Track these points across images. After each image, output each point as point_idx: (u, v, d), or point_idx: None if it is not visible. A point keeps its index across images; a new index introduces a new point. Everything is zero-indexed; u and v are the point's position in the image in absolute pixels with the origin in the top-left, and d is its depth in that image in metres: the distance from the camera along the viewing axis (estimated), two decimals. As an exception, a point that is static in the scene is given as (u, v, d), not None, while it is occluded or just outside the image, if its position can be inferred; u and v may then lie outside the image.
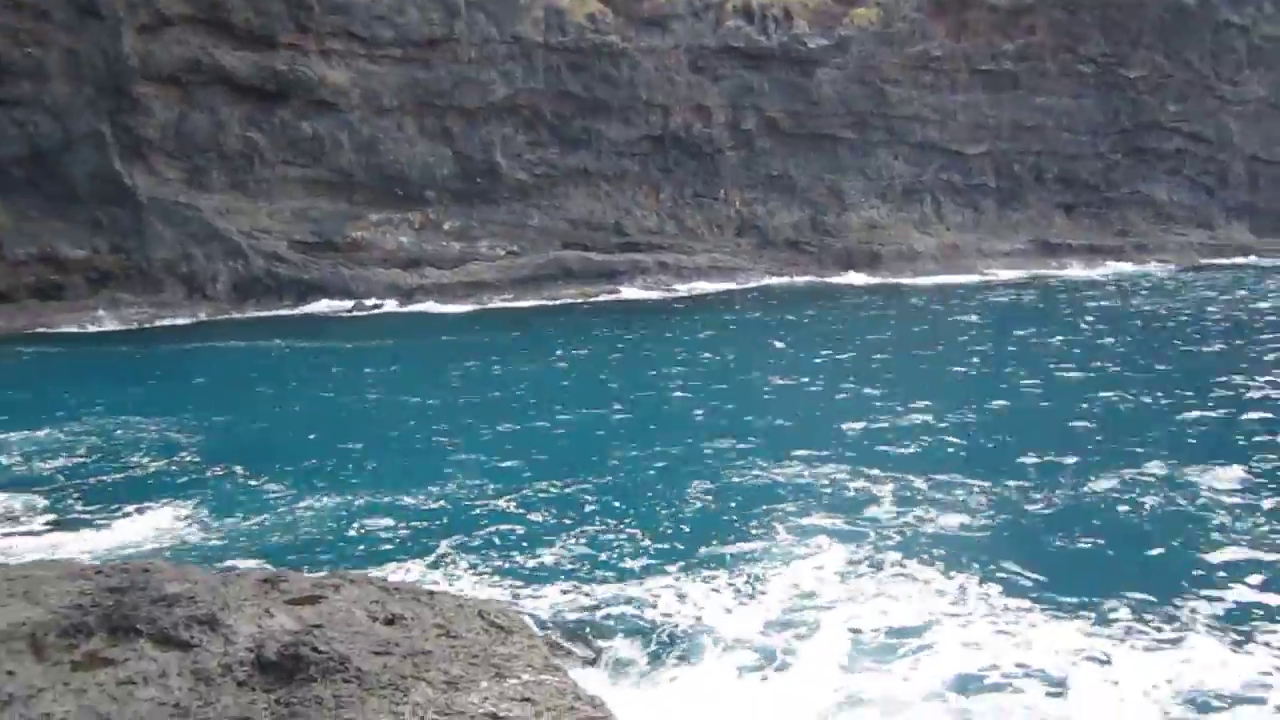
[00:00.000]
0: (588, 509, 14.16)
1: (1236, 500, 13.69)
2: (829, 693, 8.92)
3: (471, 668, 6.81)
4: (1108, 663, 9.26)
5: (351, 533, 13.29)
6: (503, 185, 48.74)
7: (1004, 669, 9.22)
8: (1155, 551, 12.09)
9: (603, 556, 12.28)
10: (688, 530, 13.25)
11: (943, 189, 60.19)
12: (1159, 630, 9.90)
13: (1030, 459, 15.97)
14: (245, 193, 43.93)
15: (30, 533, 13.07)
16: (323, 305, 42.27)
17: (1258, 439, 16.99)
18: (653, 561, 12.09)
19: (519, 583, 11.46)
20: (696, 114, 52.99)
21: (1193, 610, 10.30)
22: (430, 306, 43.39)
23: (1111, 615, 10.23)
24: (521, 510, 14.13)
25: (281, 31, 43.92)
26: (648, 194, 52.38)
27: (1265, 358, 25.53)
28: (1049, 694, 8.81)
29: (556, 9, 49.32)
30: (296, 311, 41.32)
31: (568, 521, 13.67)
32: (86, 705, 5.58)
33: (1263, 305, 38.46)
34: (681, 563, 12.00)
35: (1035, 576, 11.26)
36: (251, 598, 7.01)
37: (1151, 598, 10.59)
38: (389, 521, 13.65)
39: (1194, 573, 11.28)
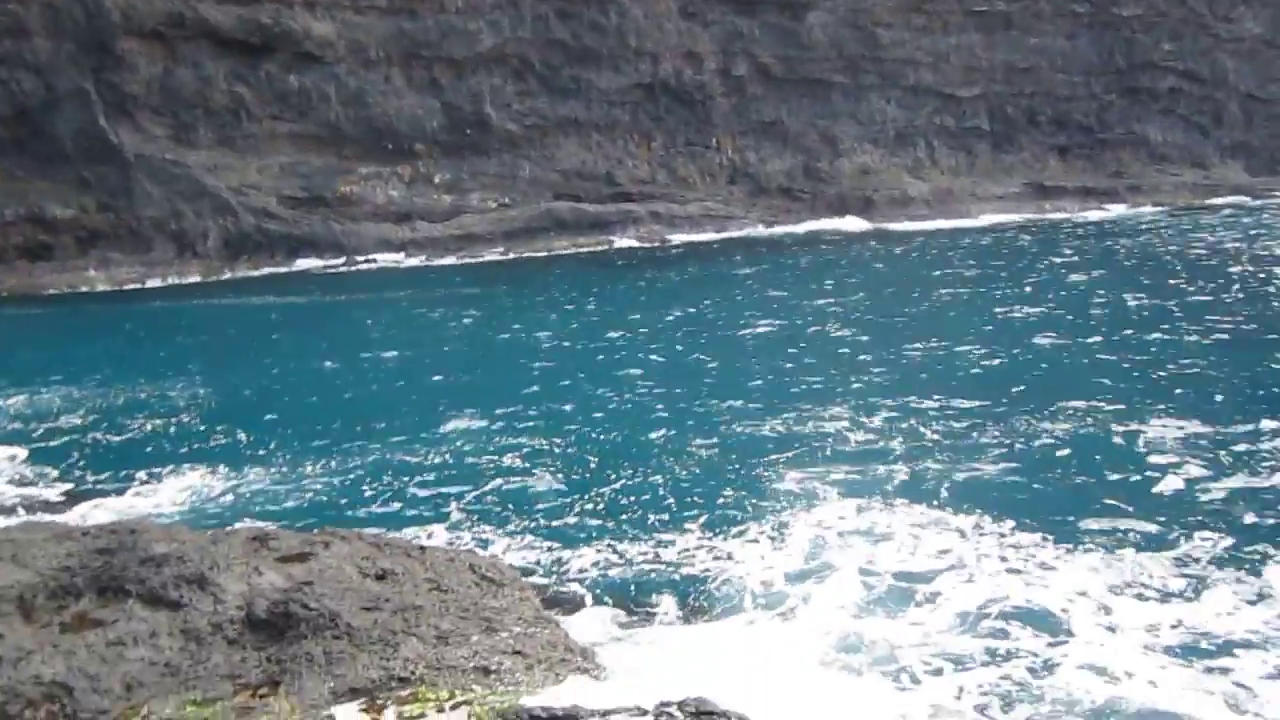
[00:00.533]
0: (585, 463, 14.17)
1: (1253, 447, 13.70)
2: (833, 637, 8.98)
3: (462, 621, 6.85)
4: (1110, 610, 9.28)
5: (362, 490, 13.31)
6: (493, 136, 48.33)
7: (1010, 612, 9.26)
8: (1167, 493, 12.07)
9: (604, 510, 12.31)
10: (688, 483, 13.28)
11: (936, 133, 59.77)
12: (1167, 576, 9.90)
13: (1037, 404, 15.99)
14: (233, 148, 43.54)
15: (48, 504, 13.03)
16: (314, 261, 42.10)
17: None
18: (655, 515, 12.11)
19: (521, 537, 11.49)
20: (687, 61, 52.45)
21: (1203, 557, 10.32)
22: (424, 261, 43.25)
23: (1121, 559, 10.24)
24: (521, 465, 14.15)
25: (264, -17, 43.30)
26: (639, 143, 51.99)
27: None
28: (1052, 639, 8.85)
29: (543, -45, 48.62)
30: (288, 269, 41.15)
31: (565, 474, 13.70)
32: (76, 666, 5.62)
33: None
34: (686, 515, 12.03)
35: (1044, 519, 11.31)
36: (240, 556, 7.04)
37: (1163, 543, 10.60)
38: (395, 479, 13.65)
39: (1206, 519, 11.28)
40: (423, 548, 8.33)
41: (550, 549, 11.14)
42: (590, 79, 50.16)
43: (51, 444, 15.97)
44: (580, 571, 10.52)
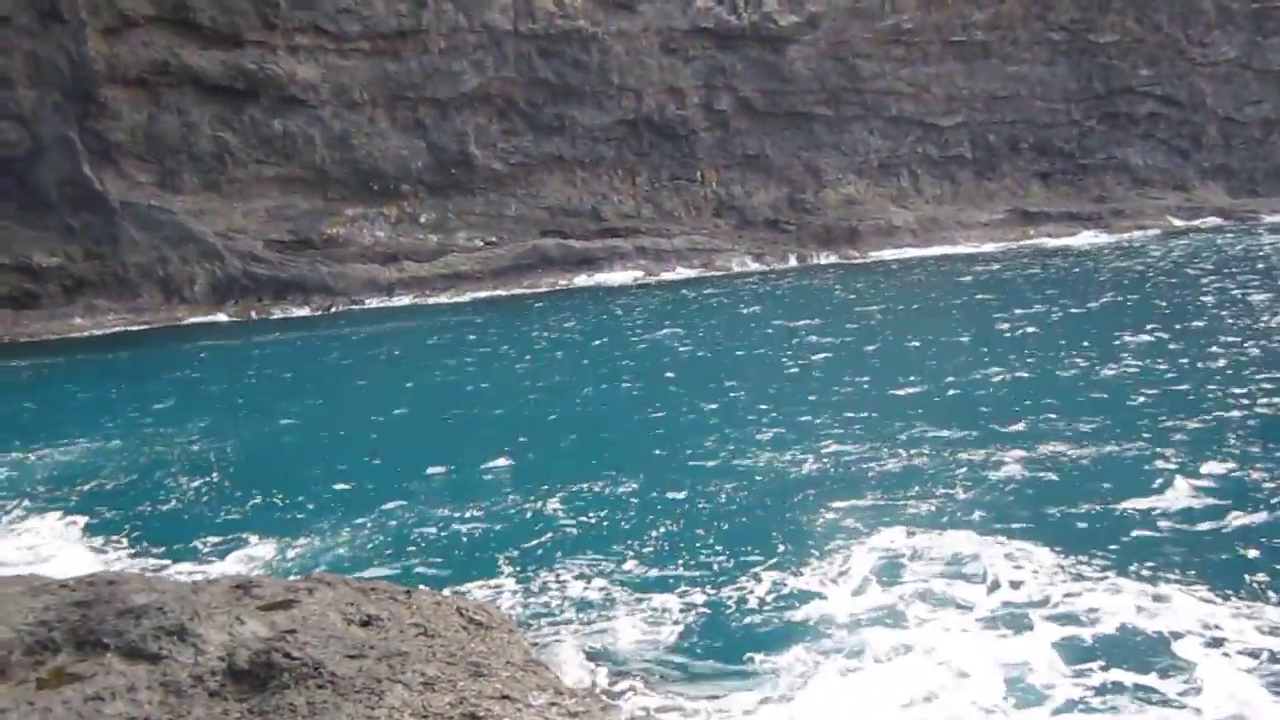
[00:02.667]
0: (579, 506, 14.04)
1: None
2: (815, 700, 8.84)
3: (449, 667, 6.73)
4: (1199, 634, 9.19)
5: (352, 536, 13.16)
6: (478, 175, 48.49)
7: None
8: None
9: (600, 554, 12.16)
10: (684, 527, 13.16)
11: (919, 162, 60.15)
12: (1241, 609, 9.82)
13: (1038, 425, 15.98)
14: (219, 193, 43.59)
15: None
16: (302, 304, 42.01)
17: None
18: (651, 560, 11.97)
19: (512, 581, 11.33)
20: (669, 96, 52.79)
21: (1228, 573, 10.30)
22: (412, 301, 43.22)
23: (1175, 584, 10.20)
24: (513, 509, 14.04)
25: (248, 29, 43.53)
26: (624, 178, 52.19)
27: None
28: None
29: (525, -4, 49.00)
30: (276, 314, 41.06)
31: (556, 518, 13.58)
32: (53, 724, 5.48)
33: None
34: (684, 560, 11.91)
35: (1069, 542, 11.28)
36: (222, 605, 6.92)
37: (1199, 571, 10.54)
38: (384, 525, 13.52)
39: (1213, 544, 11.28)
40: (409, 592, 8.20)
41: (542, 592, 11.00)
42: (574, 116, 50.42)
43: (95, 506, 15.41)
44: (573, 615, 10.38)
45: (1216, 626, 9.26)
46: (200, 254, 41.74)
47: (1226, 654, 8.76)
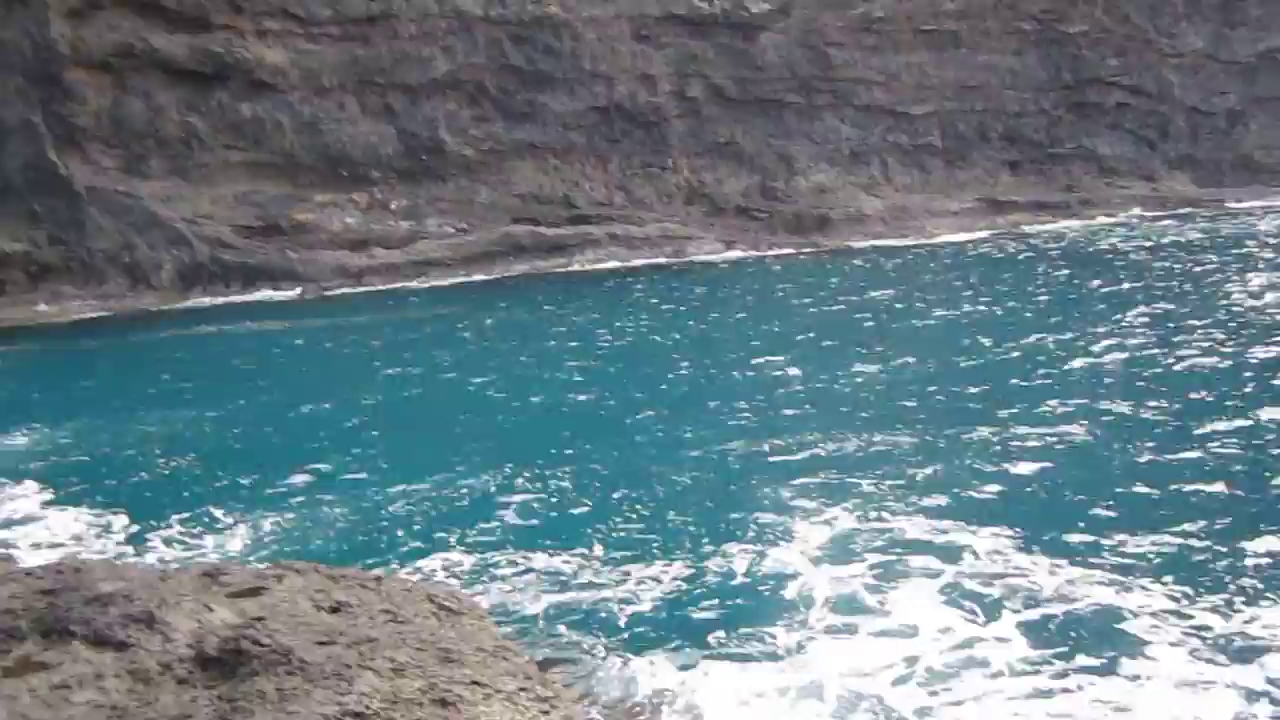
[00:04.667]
0: (550, 491, 14.07)
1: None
2: (778, 661, 8.94)
3: (419, 653, 6.73)
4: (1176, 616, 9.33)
5: (322, 524, 13.13)
6: (449, 162, 48.24)
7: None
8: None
9: (569, 538, 12.20)
10: (652, 510, 13.22)
11: (890, 150, 60.38)
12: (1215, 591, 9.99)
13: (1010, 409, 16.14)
14: (186, 179, 43.14)
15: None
16: (270, 290, 41.63)
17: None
18: (620, 544, 12.03)
19: (484, 568, 11.36)
20: (641, 83, 52.70)
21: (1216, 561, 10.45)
22: (381, 286, 42.98)
23: (1161, 566, 10.37)
24: (485, 495, 14.04)
25: (215, 12, 43.06)
26: (595, 166, 52.07)
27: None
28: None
29: (496, -19, 48.72)
30: (243, 299, 40.69)
31: (528, 504, 13.60)
32: (18, 712, 5.45)
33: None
34: (652, 543, 11.97)
35: (1042, 522, 11.46)
36: (190, 593, 6.89)
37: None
38: (356, 512, 13.49)
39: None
40: (379, 579, 8.19)
41: (512, 577, 11.03)
42: (545, 103, 50.25)
43: (81, 489, 15.42)
44: (543, 600, 10.41)
45: (1175, 606, 9.45)
46: (167, 240, 41.31)
47: (1181, 634, 8.94)
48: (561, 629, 9.81)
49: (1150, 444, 14.25)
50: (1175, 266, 35.40)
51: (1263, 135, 72.45)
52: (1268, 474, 12.92)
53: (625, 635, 9.60)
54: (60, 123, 40.22)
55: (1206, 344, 20.83)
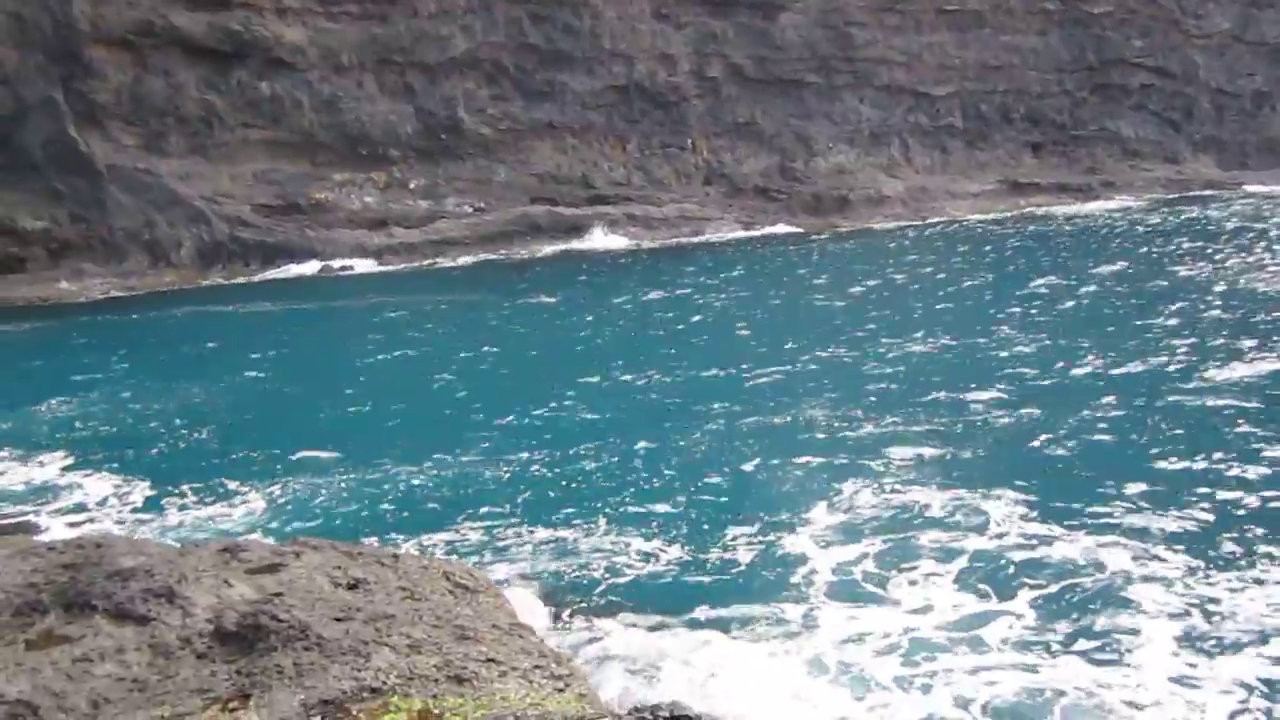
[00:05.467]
0: (565, 470, 14.12)
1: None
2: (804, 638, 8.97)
3: (435, 630, 6.79)
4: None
5: (343, 500, 13.23)
6: (467, 141, 48.19)
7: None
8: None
9: (584, 515, 12.27)
10: (664, 488, 13.25)
11: (910, 131, 59.98)
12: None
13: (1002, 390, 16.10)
14: (205, 157, 43.23)
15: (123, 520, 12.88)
16: (290, 268, 41.76)
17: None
18: (634, 522, 12.08)
19: (500, 545, 11.43)
20: (661, 63, 52.45)
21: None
22: (401, 265, 43.05)
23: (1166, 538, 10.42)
24: (502, 474, 14.10)
25: (235, -10, 43.02)
26: (614, 145, 51.93)
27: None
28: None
29: (515, -41, 48.51)
30: (263, 277, 40.85)
31: (542, 483, 13.66)
32: (41, 684, 5.53)
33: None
34: (665, 520, 12.01)
35: (1029, 489, 11.50)
36: (210, 569, 6.97)
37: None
38: (374, 489, 13.58)
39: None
40: (396, 556, 8.27)
41: (529, 555, 11.09)
42: (564, 82, 50.09)
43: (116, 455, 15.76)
44: (558, 577, 10.48)
45: (1187, 581, 9.48)
46: (187, 218, 41.44)
47: (1189, 609, 8.97)
48: (571, 600, 9.89)
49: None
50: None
51: (1289, 117, 71.64)
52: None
53: (636, 607, 9.67)
54: (81, 100, 40.32)
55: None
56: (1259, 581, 9.46)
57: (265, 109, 44.09)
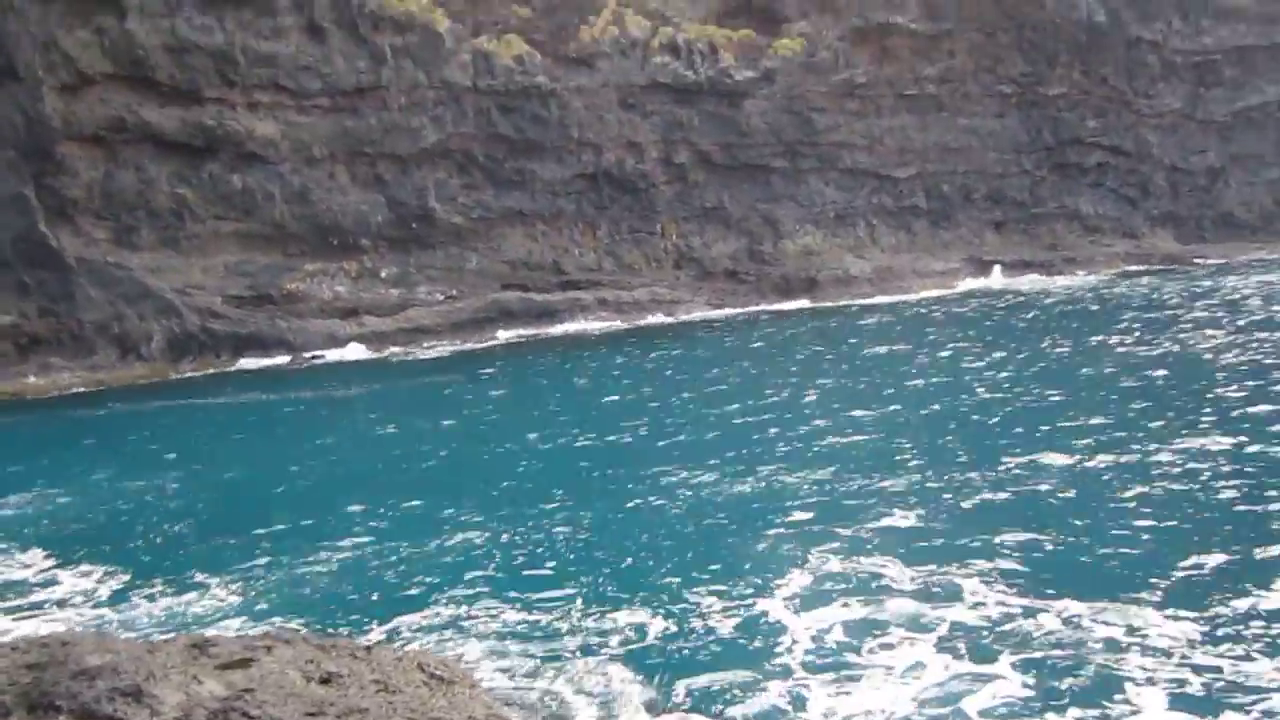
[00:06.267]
0: (540, 554, 14.03)
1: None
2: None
3: (409, 723, 6.69)
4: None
5: (314, 592, 13.06)
6: (438, 230, 48.63)
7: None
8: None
9: (563, 602, 12.16)
10: (644, 570, 13.18)
11: (875, 212, 61.07)
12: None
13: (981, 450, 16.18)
14: (176, 249, 43.36)
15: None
16: (260, 359, 41.66)
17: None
18: (617, 607, 11.98)
19: (477, 635, 11.29)
20: (629, 150, 53.36)
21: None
22: (373, 354, 43.07)
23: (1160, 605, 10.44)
24: (476, 558, 13.99)
25: (207, 86, 43.58)
26: (584, 231, 52.54)
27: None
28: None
29: (484, 52, 49.51)
30: (234, 368, 40.73)
31: (518, 568, 13.55)
32: (4, 789, 5.39)
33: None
34: (644, 604, 11.91)
35: (1010, 556, 11.46)
36: (178, 665, 6.84)
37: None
38: (347, 579, 13.42)
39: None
40: (369, 648, 8.15)
41: (501, 638, 10.96)
42: (534, 170, 50.81)
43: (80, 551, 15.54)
44: (534, 671, 10.33)
45: (1177, 650, 9.45)
46: (157, 310, 41.38)
47: (1183, 679, 8.93)
48: (544, 685, 9.76)
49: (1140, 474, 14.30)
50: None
51: (1241, 192, 73.58)
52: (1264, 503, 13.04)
53: (613, 691, 9.54)
54: (52, 195, 40.48)
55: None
56: (1255, 644, 9.43)
57: (237, 201, 44.39)
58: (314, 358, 42.14)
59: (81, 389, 37.64)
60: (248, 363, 41.31)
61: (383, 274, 47.35)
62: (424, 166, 48.47)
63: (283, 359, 41.86)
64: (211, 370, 40.45)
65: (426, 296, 47.58)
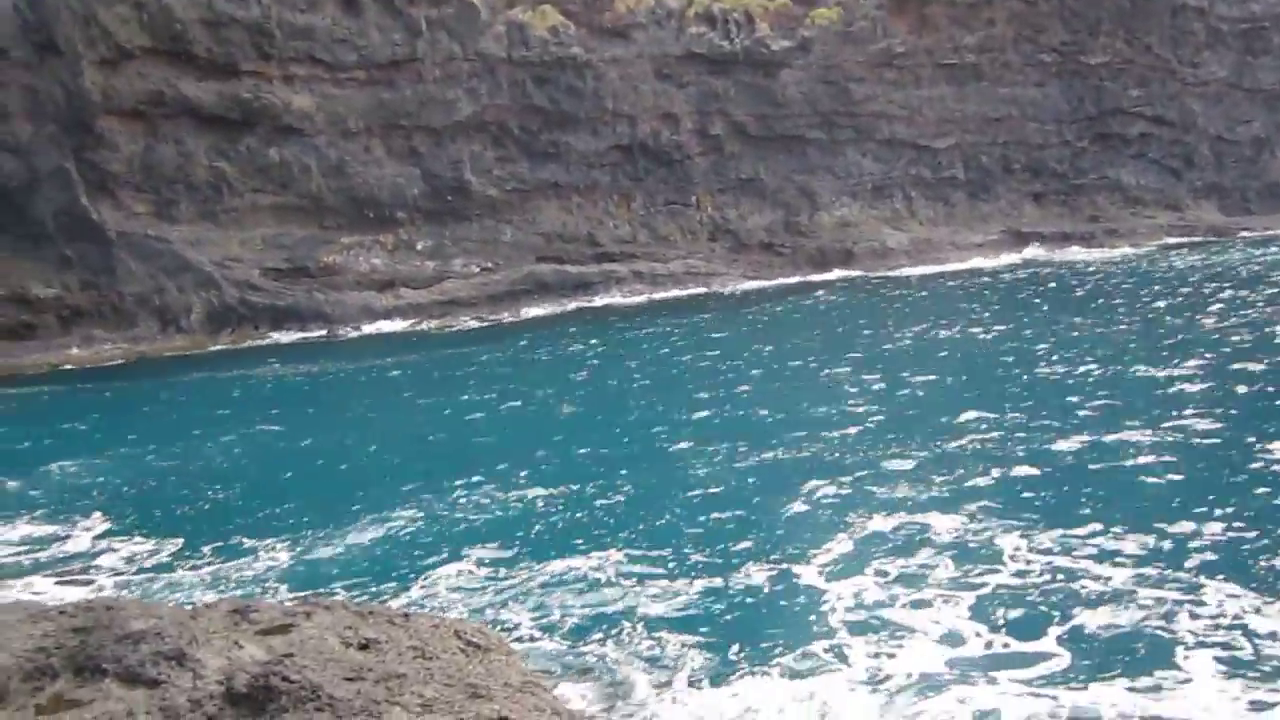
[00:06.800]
0: (576, 525, 14.08)
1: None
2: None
3: (447, 689, 6.73)
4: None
5: (355, 559, 13.19)
6: (473, 202, 48.67)
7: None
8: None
9: (599, 571, 12.20)
10: (675, 541, 13.19)
11: (913, 184, 60.43)
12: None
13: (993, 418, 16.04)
14: (215, 222, 43.71)
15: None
16: (298, 332, 42.02)
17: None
18: (652, 578, 12.01)
19: (513, 602, 11.37)
20: (664, 122, 53.07)
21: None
22: (409, 327, 43.29)
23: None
24: (512, 529, 14.07)
25: (244, 60, 43.77)
26: (619, 204, 52.40)
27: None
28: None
29: (518, 24, 49.34)
30: (273, 340, 41.09)
31: (553, 538, 13.60)
32: (52, 749, 5.49)
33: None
34: (678, 576, 11.93)
35: (1013, 505, 11.41)
36: (220, 630, 6.93)
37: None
38: (386, 547, 13.54)
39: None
40: (407, 615, 8.21)
41: (542, 613, 11.01)
42: (569, 142, 50.68)
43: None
44: (575, 635, 10.39)
45: (1219, 609, 9.37)
46: (196, 283, 41.82)
47: (1227, 638, 8.84)
48: (586, 649, 9.81)
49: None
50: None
51: (1289, 163, 72.05)
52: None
53: (651, 655, 9.58)
54: (92, 169, 40.91)
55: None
56: None
57: (274, 174, 44.65)
58: (352, 329, 42.38)
59: (122, 360, 38.10)
60: (285, 335, 41.67)
61: (418, 246, 47.51)
62: (459, 139, 48.47)
63: (320, 330, 42.16)
64: (250, 342, 40.82)
65: (462, 269, 47.71)
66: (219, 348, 40.17)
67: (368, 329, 42.85)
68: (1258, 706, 7.88)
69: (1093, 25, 64.69)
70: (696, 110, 53.92)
